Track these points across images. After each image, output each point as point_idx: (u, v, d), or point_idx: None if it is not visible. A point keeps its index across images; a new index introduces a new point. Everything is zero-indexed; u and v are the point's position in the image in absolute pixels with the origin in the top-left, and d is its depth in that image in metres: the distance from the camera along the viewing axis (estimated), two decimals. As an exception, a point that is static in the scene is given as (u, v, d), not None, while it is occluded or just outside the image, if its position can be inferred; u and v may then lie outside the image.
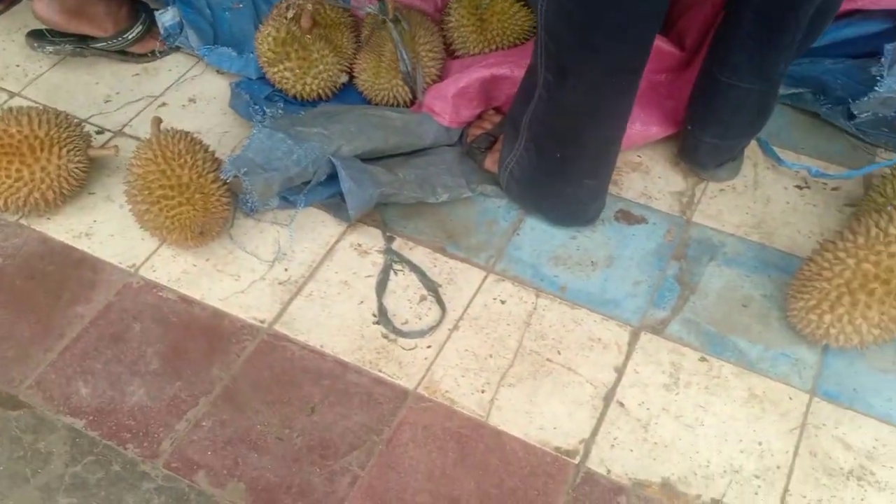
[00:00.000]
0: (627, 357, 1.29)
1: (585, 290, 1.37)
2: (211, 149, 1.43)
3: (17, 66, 1.76)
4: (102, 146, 1.49)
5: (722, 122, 1.40)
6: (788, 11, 1.23)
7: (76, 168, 1.43)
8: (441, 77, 1.58)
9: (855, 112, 1.47)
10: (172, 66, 1.76)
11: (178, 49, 1.78)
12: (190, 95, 1.70)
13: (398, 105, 1.58)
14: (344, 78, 1.60)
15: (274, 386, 1.26)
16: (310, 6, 1.52)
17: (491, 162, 1.50)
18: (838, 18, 1.51)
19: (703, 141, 1.44)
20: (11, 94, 1.70)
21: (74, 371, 1.27)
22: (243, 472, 1.17)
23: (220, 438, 1.20)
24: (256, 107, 1.54)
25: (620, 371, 1.27)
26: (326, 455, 1.18)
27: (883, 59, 1.40)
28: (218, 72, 1.74)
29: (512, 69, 1.48)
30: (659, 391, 1.25)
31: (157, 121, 1.48)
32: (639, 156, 1.58)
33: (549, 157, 1.36)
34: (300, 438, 1.20)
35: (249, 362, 1.29)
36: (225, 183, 1.38)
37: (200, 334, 1.33)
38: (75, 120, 1.48)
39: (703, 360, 1.28)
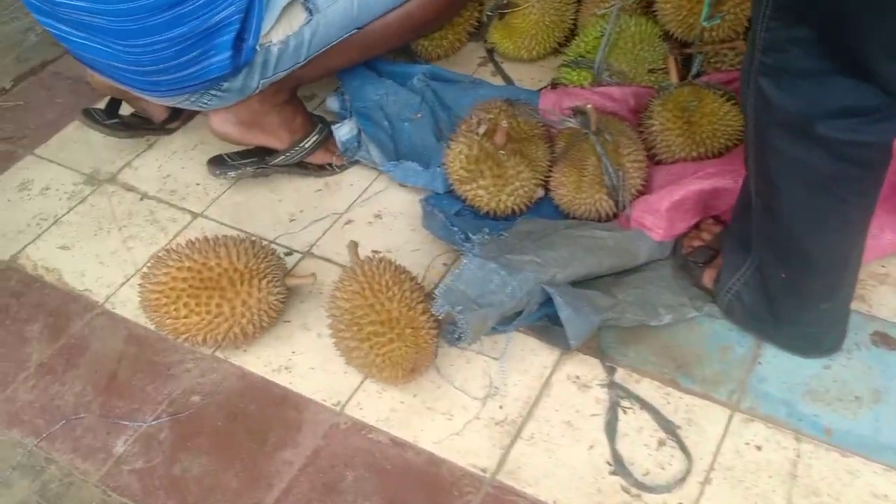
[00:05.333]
0: (923, 519, 1.04)
1: (854, 432, 1.13)
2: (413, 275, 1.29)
3: (198, 184, 1.67)
4: (300, 275, 1.36)
5: None
6: None
7: (276, 300, 1.30)
8: (645, 186, 1.40)
9: None
10: (353, 181, 1.64)
11: (356, 162, 1.66)
12: (375, 211, 1.57)
13: (599, 219, 1.40)
14: (540, 192, 1.43)
15: (509, 551, 1.07)
16: (505, 122, 1.37)
17: (709, 278, 1.30)
18: None
19: None
20: (194, 215, 1.60)
21: (290, 531, 1.12)
22: None
23: None
24: (455, 228, 1.38)
25: (919, 537, 1.03)
26: None
27: None
28: (401, 185, 1.60)
29: (735, 179, 1.28)
30: (974, 565, 1.00)
31: (355, 246, 1.34)
32: (883, 266, 1.34)
33: (775, 277, 1.15)
34: None
35: (477, 521, 1.10)
36: (434, 317, 1.22)
37: (419, 486, 1.15)
38: (271, 248, 1.36)
39: None
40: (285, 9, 1.36)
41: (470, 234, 1.36)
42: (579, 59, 1.57)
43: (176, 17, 1.27)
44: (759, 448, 1.13)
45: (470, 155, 1.40)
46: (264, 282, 1.28)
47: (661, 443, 1.16)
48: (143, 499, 1.18)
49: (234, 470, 1.19)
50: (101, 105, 1.75)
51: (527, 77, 1.81)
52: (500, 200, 1.41)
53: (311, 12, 1.39)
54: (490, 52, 1.87)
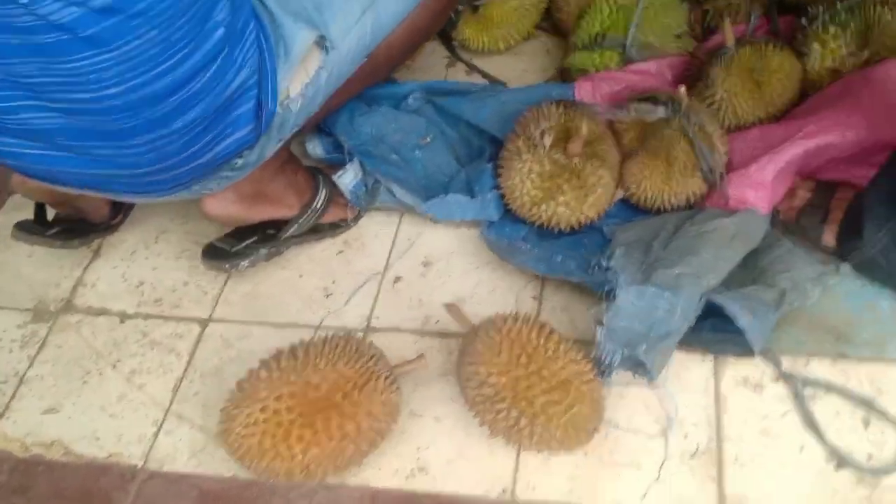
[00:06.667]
0: None
1: None
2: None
3: (185, 284, 1.42)
4: (408, 361, 1.18)
5: None
6: None
7: (396, 397, 1.13)
8: (730, 160, 1.36)
9: None
10: (376, 231, 1.46)
11: (362, 213, 1.49)
12: (420, 259, 1.41)
13: (688, 206, 1.35)
14: (620, 193, 1.36)
15: None
16: (584, 127, 1.27)
17: (831, 236, 1.29)
18: None
19: None
20: (203, 322, 1.36)
21: None
22: None
23: None
24: (559, 259, 1.28)
25: None
26: None
27: None
28: (431, 220, 1.45)
29: (843, 133, 1.28)
30: None
31: (457, 308, 1.20)
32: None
33: None
34: None
35: (736, 573, 1.02)
36: (600, 366, 1.11)
37: (645, 555, 1.05)
38: (360, 337, 1.17)
39: None
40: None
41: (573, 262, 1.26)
42: (597, 38, 1.49)
43: (184, 100, 1.03)
44: (962, 399, 1.15)
45: (542, 172, 1.29)
46: (380, 381, 1.10)
47: (866, 421, 1.14)
48: None
49: None
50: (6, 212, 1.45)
51: (506, 70, 1.71)
52: (581, 213, 1.32)
53: (326, 51, 1.19)
54: (453, 50, 1.75)
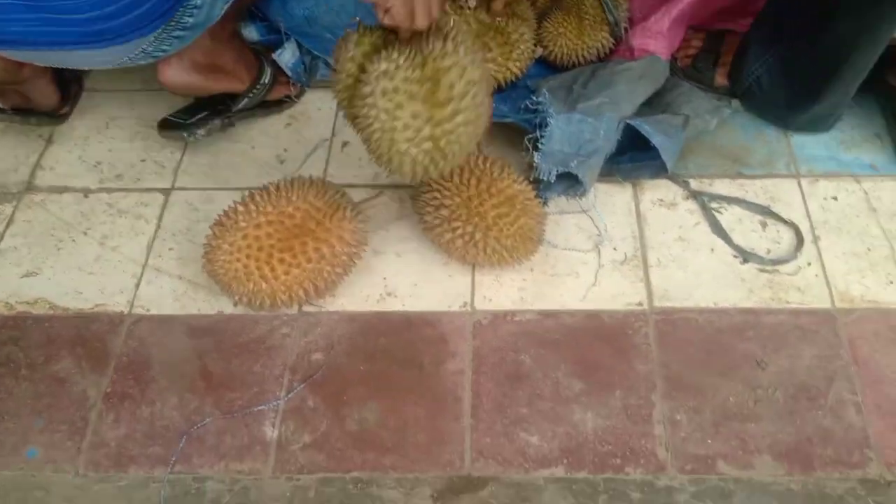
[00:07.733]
0: (973, 203, 1.35)
1: (893, 163, 1.42)
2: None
3: (142, 161, 1.51)
4: (367, 199, 1.32)
5: None
6: None
7: (363, 227, 1.26)
8: (632, 14, 1.54)
9: None
10: (319, 104, 1.58)
11: (305, 88, 1.60)
12: (364, 125, 1.54)
13: (599, 59, 1.52)
14: (540, 51, 1.51)
15: (706, 356, 1.20)
16: (507, -13, 1.42)
17: (722, 76, 1.50)
18: None
19: None
20: (166, 191, 1.45)
21: (507, 426, 1.14)
22: (759, 446, 1.11)
23: (705, 424, 1.13)
24: (504, 104, 1.43)
25: (979, 216, 1.33)
26: (814, 396, 1.15)
27: None
28: (371, 93, 1.58)
29: (723, -19, 1.48)
30: None
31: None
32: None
33: (800, 61, 1.35)
34: (767, 391, 1.16)
35: (664, 345, 1.21)
36: (536, 183, 1.28)
37: (593, 339, 1.23)
38: (317, 177, 1.29)
39: None
40: None
41: (505, 107, 1.42)
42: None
43: None
44: (835, 199, 1.37)
45: (469, 31, 1.44)
46: (347, 210, 1.24)
47: (763, 224, 1.35)
48: (338, 465, 1.13)
49: (412, 400, 1.18)
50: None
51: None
52: (507, 70, 1.47)
53: None
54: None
